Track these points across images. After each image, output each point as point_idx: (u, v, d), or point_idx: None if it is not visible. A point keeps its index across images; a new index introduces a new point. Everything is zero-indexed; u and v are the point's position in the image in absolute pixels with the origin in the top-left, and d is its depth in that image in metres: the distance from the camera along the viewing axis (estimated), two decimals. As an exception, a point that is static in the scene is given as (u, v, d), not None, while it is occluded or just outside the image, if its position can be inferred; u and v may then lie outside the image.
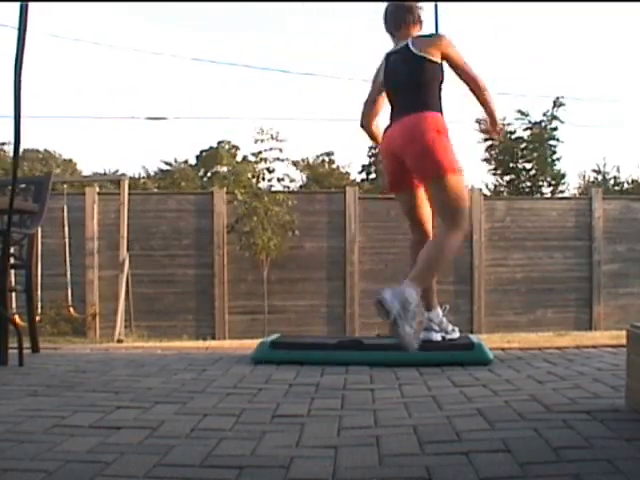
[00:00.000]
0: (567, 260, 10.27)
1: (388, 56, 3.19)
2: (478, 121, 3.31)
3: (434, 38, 3.09)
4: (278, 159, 10.33)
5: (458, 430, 1.81)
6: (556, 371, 2.81)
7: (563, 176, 14.24)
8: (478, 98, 3.11)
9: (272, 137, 10.13)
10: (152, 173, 27.83)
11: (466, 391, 2.41)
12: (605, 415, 1.93)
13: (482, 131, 3.34)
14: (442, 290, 9.86)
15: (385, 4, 3.25)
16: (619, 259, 10.36)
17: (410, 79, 3.06)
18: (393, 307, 2.74)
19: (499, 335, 6.26)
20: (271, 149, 10.19)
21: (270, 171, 10.37)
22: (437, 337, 3.14)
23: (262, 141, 10.13)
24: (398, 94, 3.11)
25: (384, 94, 3.25)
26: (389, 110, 3.19)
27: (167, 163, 28.54)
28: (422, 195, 3.16)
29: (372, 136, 3.37)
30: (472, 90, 3.09)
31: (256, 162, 10.46)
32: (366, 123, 3.34)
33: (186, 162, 28.43)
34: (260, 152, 10.26)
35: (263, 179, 10.39)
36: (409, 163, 3.03)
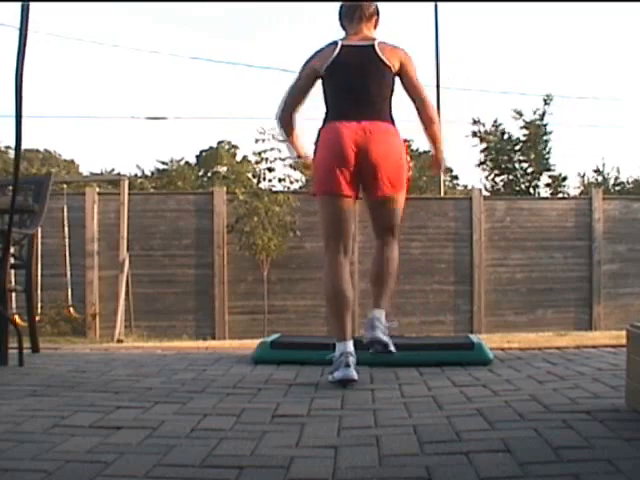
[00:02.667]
0: (567, 260, 10.26)
1: (342, 47, 2.92)
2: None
3: (398, 48, 2.97)
4: (279, 159, 10.33)
5: (458, 430, 1.81)
6: (556, 371, 2.81)
7: (564, 179, 14.25)
8: (424, 122, 2.97)
9: (273, 137, 10.13)
10: (149, 173, 27.84)
11: (466, 391, 2.41)
12: (605, 415, 1.93)
13: (433, 165, 3.19)
14: (442, 290, 9.95)
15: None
16: (619, 259, 10.36)
17: (376, 83, 2.89)
18: (383, 337, 2.78)
19: (499, 335, 6.26)
20: (272, 149, 10.19)
21: (271, 170, 10.37)
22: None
23: (263, 141, 10.13)
24: (358, 93, 2.88)
25: (315, 83, 2.98)
26: (334, 103, 2.92)
27: (163, 163, 28.54)
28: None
29: (288, 131, 3.03)
30: (420, 110, 2.96)
31: (257, 162, 10.46)
32: (286, 115, 2.99)
33: (181, 161, 28.38)
34: (260, 152, 10.25)
35: (264, 179, 10.39)
36: (373, 170, 2.82)
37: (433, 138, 3.05)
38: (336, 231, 2.87)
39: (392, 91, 2.94)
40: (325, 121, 2.93)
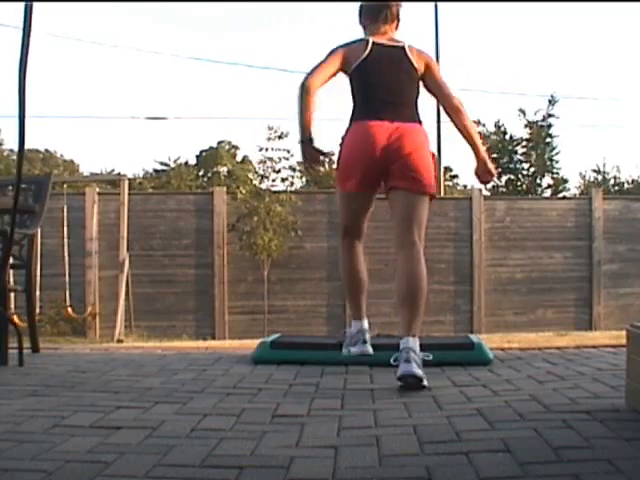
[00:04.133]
0: (567, 260, 10.26)
1: (374, 45, 2.90)
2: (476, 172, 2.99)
3: (424, 52, 2.99)
4: (285, 159, 10.33)
5: (458, 430, 1.81)
6: (556, 371, 2.81)
7: (565, 181, 14.26)
8: (458, 123, 2.91)
9: (280, 137, 10.12)
10: (147, 173, 27.84)
11: (466, 391, 2.41)
12: (605, 415, 1.93)
13: (478, 176, 3.02)
14: (442, 290, 9.95)
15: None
16: (619, 259, 10.36)
17: (407, 85, 2.89)
18: (418, 372, 2.51)
19: (499, 335, 6.26)
20: (278, 149, 10.18)
21: (276, 171, 10.35)
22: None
23: (270, 139, 10.11)
24: (390, 92, 2.85)
25: (339, 73, 2.92)
26: (365, 101, 2.87)
27: (162, 163, 28.54)
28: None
29: (308, 102, 2.82)
30: (452, 111, 2.92)
31: (263, 161, 10.41)
32: (313, 88, 2.82)
33: (178, 160, 28.36)
34: (266, 149, 10.21)
35: (267, 178, 10.37)
36: (402, 169, 2.76)
37: (469, 137, 2.92)
38: (352, 220, 2.96)
39: (419, 93, 2.93)
40: (354, 118, 2.88)
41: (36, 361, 3.26)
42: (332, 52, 2.90)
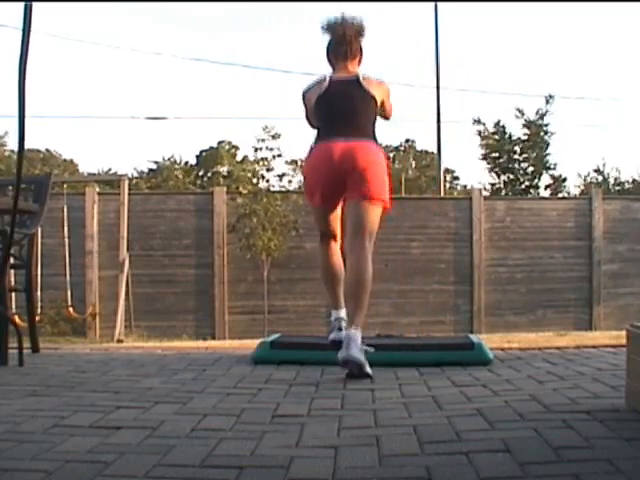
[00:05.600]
0: (567, 260, 10.26)
1: (331, 80, 3.25)
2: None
3: (381, 83, 3.30)
4: (279, 156, 10.33)
5: (458, 430, 1.81)
6: (556, 371, 2.81)
7: (564, 180, 14.27)
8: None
9: (273, 137, 10.14)
10: (142, 173, 27.83)
11: (466, 391, 2.41)
12: (605, 415, 1.93)
13: None
14: (442, 290, 9.95)
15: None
16: (619, 259, 10.36)
17: (360, 109, 3.20)
18: (358, 357, 2.82)
19: (499, 335, 6.26)
20: (271, 149, 10.19)
21: (269, 170, 10.37)
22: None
23: (264, 140, 10.13)
24: (345, 116, 3.19)
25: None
26: (324, 127, 3.23)
27: (155, 162, 28.52)
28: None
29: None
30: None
31: (256, 161, 10.44)
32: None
33: (170, 159, 28.34)
34: (260, 149, 10.23)
35: (262, 178, 10.38)
36: (356, 178, 3.06)
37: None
38: (324, 229, 3.31)
39: (375, 118, 3.26)
40: (314, 142, 3.26)
41: (36, 361, 3.26)
42: (303, 100, 3.35)
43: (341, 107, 3.21)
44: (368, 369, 2.81)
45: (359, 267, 3.02)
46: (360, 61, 3.37)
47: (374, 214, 3.11)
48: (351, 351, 2.78)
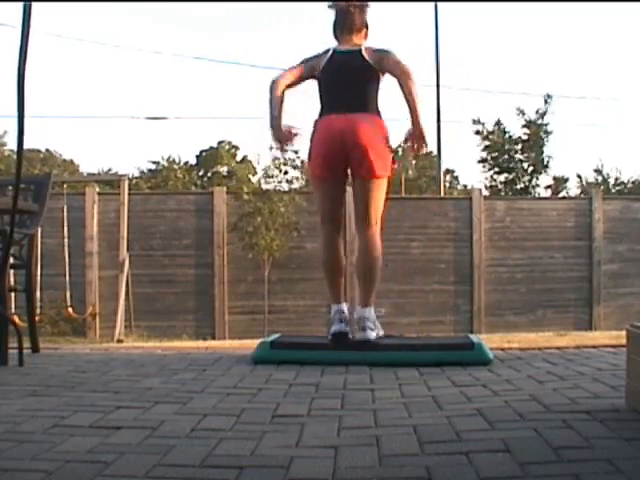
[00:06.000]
0: (567, 260, 10.26)
1: (334, 52, 3.32)
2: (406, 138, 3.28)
3: (382, 50, 3.30)
4: (291, 160, 10.34)
5: (458, 430, 1.81)
6: (556, 371, 2.81)
7: (566, 180, 14.29)
8: (405, 87, 3.18)
9: None
10: (142, 173, 27.83)
11: (466, 391, 2.41)
12: (605, 415, 1.93)
13: (406, 143, 3.32)
14: (442, 290, 9.95)
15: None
16: (619, 259, 10.36)
17: (362, 82, 3.25)
18: (372, 333, 3.21)
19: (499, 335, 6.26)
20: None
21: (284, 173, 10.37)
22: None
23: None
24: (346, 90, 3.25)
25: (305, 80, 3.36)
26: (327, 100, 3.28)
27: (155, 162, 28.53)
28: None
29: (276, 99, 3.30)
30: (402, 77, 3.18)
31: (273, 160, 10.40)
32: (280, 84, 3.31)
33: (169, 159, 28.34)
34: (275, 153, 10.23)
35: (272, 177, 10.38)
36: (358, 155, 3.16)
37: (412, 102, 3.17)
38: (327, 208, 3.30)
39: (378, 89, 3.30)
40: (318, 115, 3.31)
41: (36, 361, 3.26)
42: (300, 62, 3.37)
43: (342, 79, 3.27)
44: (380, 332, 3.30)
45: (368, 246, 3.22)
46: (366, 35, 3.42)
47: (378, 191, 3.24)
48: (366, 333, 3.17)
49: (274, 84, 3.30)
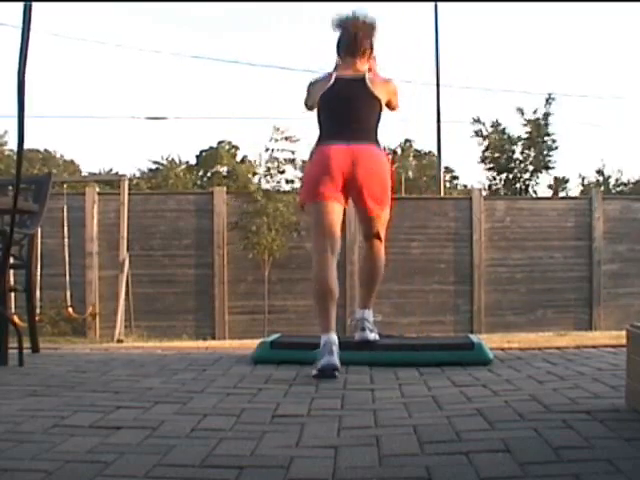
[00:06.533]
0: (567, 260, 10.26)
1: (336, 79, 3.25)
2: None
3: (387, 82, 3.32)
4: (291, 160, 10.33)
5: (458, 430, 1.81)
6: (556, 371, 2.81)
7: (566, 181, 14.32)
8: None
9: (286, 138, 10.13)
10: (144, 173, 27.83)
11: (466, 391, 2.41)
12: (605, 415, 1.93)
13: None
14: (442, 290, 9.95)
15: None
16: (619, 259, 10.36)
17: (364, 112, 3.22)
18: (371, 337, 3.30)
19: (499, 335, 6.26)
20: (283, 150, 10.18)
21: (281, 172, 10.36)
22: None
23: (277, 140, 10.12)
24: (348, 120, 3.19)
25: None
26: (328, 127, 3.22)
27: (155, 162, 28.52)
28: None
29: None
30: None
31: (270, 160, 10.40)
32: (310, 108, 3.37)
33: (168, 158, 28.35)
34: (272, 150, 10.23)
35: (272, 177, 10.38)
36: (359, 190, 3.12)
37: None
38: (323, 233, 3.10)
39: (379, 118, 3.26)
40: (318, 142, 3.25)
41: (36, 361, 3.26)
42: (307, 91, 3.36)
43: (345, 108, 3.21)
44: (377, 336, 3.33)
45: (374, 257, 3.30)
46: (370, 57, 3.36)
47: (382, 219, 3.27)
48: (365, 333, 3.28)
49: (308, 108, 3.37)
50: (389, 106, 3.32)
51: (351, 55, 3.30)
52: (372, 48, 3.35)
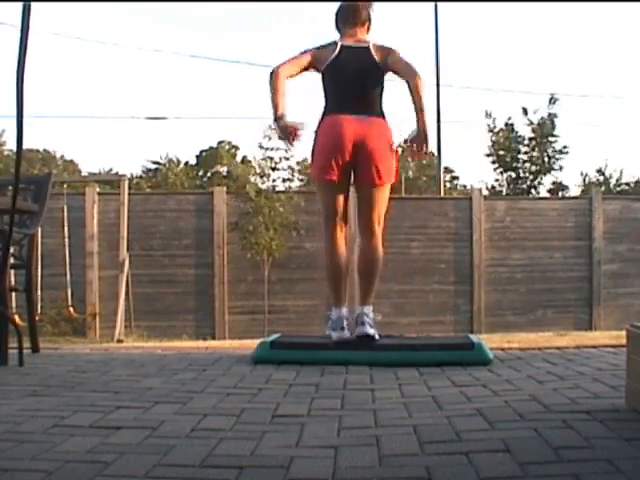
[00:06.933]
0: (567, 260, 10.26)
1: (342, 47, 3.25)
2: (406, 140, 3.31)
3: (388, 47, 3.28)
4: (285, 158, 10.33)
5: (458, 430, 1.81)
6: (556, 371, 2.81)
7: (565, 187, 14.34)
8: (415, 103, 3.18)
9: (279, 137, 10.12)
10: (142, 173, 27.84)
11: (466, 391, 2.41)
12: (605, 415, 1.93)
13: (410, 148, 3.31)
14: (442, 290, 9.95)
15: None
16: (619, 259, 10.36)
17: (371, 81, 3.23)
18: (371, 331, 3.24)
19: (499, 335, 6.26)
20: (278, 149, 10.18)
21: (275, 170, 10.36)
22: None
23: (270, 139, 10.11)
24: (356, 90, 3.20)
25: (308, 69, 3.29)
26: (334, 98, 3.24)
27: (155, 162, 28.53)
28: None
29: (276, 87, 3.20)
30: (411, 80, 3.18)
31: (263, 159, 10.41)
32: (281, 74, 3.20)
33: (166, 158, 28.37)
34: (267, 148, 10.23)
35: (268, 177, 10.39)
36: (367, 161, 3.16)
37: (419, 106, 3.18)
38: (332, 210, 3.28)
39: (383, 89, 3.29)
40: (325, 113, 3.26)
41: (36, 361, 3.26)
42: (304, 51, 3.30)
43: (351, 78, 3.22)
44: (377, 336, 3.23)
45: (370, 247, 3.27)
46: (369, 28, 3.40)
47: (383, 196, 3.26)
48: (365, 328, 3.19)
49: (274, 75, 3.20)
50: (393, 58, 3.24)
51: (352, 24, 3.31)
52: (370, 20, 3.38)
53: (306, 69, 3.30)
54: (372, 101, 3.24)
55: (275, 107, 3.20)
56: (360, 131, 3.14)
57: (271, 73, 3.21)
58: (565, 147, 13.22)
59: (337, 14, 3.38)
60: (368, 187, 3.24)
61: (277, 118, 3.20)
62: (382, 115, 3.25)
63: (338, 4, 3.42)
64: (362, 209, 3.30)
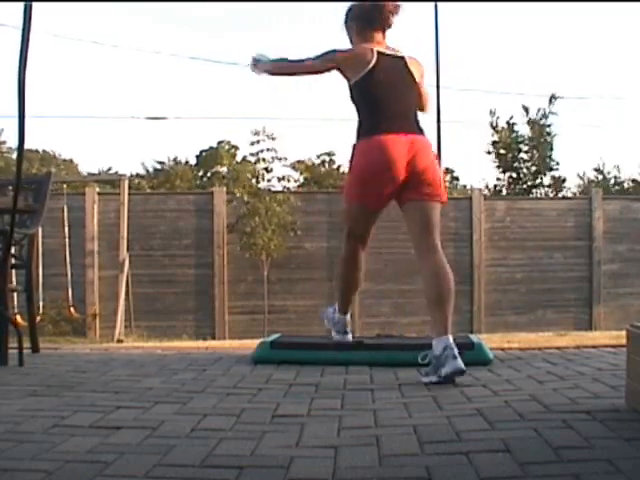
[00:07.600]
0: (567, 260, 10.26)
1: (379, 54, 2.87)
2: None
3: (419, 62, 3.00)
4: (277, 158, 10.34)
5: (458, 430, 1.81)
6: (556, 371, 2.81)
7: (564, 180, 14.28)
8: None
9: (268, 137, 10.16)
10: (145, 172, 27.83)
11: (466, 391, 2.41)
12: (605, 415, 1.93)
13: None
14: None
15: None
16: (619, 259, 10.35)
17: (411, 96, 2.93)
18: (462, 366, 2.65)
19: (499, 335, 6.26)
20: (268, 149, 10.20)
21: (268, 171, 10.37)
22: (349, 337, 3.34)
23: (258, 142, 10.15)
24: (400, 105, 2.87)
25: (331, 71, 2.93)
26: (379, 114, 2.86)
27: (160, 162, 28.53)
28: None
29: (295, 69, 3.02)
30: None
31: (256, 162, 10.46)
32: (308, 68, 2.96)
33: (175, 160, 28.36)
34: (257, 152, 10.27)
35: (262, 178, 10.40)
36: (423, 177, 2.84)
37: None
38: (359, 232, 3.07)
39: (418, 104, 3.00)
40: (367, 131, 2.87)
41: (36, 361, 3.26)
42: (333, 52, 2.89)
43: (395, 92, 2.86)
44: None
45: (444, 273, 2.78)
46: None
47: (438, 213, 2.93)
48: (457, 362, 2.59)
49: (303, 64, 2.93)
50: (420, 88, 2.97)
51: (382, 30, 2.93)
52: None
53: (325, 72, 2.97)
54: (414, 117, 2.91)
55: (280, 69, 3.04)
56: (410, 154, 2.79)
57: (299, 60, 2.95)
58: (553, 135, 13.17)
59: (355, 13, 2.96)
60: (423, 206, 2.86)
61: (270, 73, 3.04)
62: (424, 132, 2.93)
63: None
64: (422, 229, 2.87)
